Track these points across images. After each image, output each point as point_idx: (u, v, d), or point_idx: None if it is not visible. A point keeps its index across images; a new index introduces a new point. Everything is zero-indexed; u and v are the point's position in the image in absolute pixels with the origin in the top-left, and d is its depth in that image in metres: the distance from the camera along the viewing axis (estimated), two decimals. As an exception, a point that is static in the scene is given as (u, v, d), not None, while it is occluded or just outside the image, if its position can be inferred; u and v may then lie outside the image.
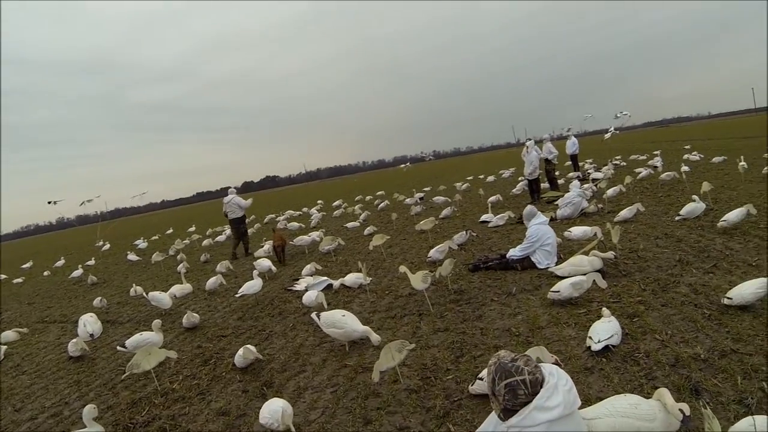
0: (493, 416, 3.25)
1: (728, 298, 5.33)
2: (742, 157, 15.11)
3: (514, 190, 20.23)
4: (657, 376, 4.27)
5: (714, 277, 6.43)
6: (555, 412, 2.59)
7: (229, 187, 16.58)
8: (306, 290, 8.99)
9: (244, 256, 15.84)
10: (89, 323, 8.47)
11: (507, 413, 2.70)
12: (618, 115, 24.45)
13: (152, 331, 7.17)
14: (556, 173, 18.96)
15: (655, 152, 24.61)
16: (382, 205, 24.15)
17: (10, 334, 9.50)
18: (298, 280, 10.40)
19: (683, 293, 6.08)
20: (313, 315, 6.59)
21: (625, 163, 25.11)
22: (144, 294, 10.27)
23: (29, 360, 8.32)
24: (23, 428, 5.61)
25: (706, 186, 11.33)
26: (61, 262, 23.26)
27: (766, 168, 13.57)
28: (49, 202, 24.17)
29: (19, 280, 20.20)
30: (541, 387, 2.65)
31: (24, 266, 25.09)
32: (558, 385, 2.68)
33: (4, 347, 8.76)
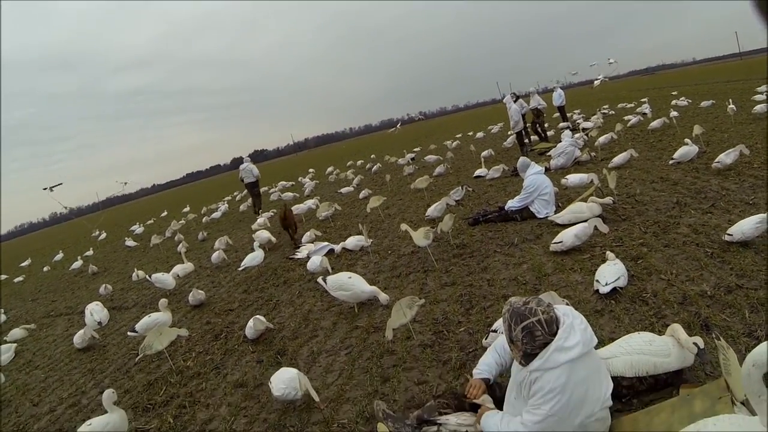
0: (491, 356, 3.35)
1: (729, 234, 5.33)
2: (730, 99, 15.00)
3: (505, 144, 20.20)
4: (666, 315, 4.29)
5: (713, 217, 6.43)
6: (575, 351, 2.64)
7: (243, 157, 19.03)
8: (308, 257, 8.98)
9: (255, 214, 17.64)
10: (96, 311, 8.48)
11: (527, 358, 2.74)
12: (606, 73, 24.29)
13: (160, 311, 7.16)
14: (546, 125, 18.88)
15: (643, 99, 24.34)
16: (374, 168, 24.10)
17: (18, 332, 9.41)
18: (299, 248, 10.40)
19: (684, 234, 6.08)
20: (320, 280, 6.60)
21: (613, 112, 24.90)
22: (147, 277, 10.25)
23: (41, 354, 8.32)
24: (43, 421, 5.62)
25: (697, 129, 11.28)
26: (59, 256, 23.03)
27: (756, 108, 13.49)
28: (45, 189, 24.02)
29: (20, 278, 20.00)
30: (557, 327, 2.69)
31: (23, 264, 24.95)
32: (574, 324, 2.73)
33: (14, 345, 8.72)
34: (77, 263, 17.73)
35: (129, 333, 7.29)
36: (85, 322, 8.39)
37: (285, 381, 4.21)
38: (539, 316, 2.67)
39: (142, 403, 5.33)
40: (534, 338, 2.66)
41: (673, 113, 15.62)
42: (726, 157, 8.29)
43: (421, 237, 7.34)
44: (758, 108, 13.40)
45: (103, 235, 26.95)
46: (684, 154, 9.86)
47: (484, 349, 4.45)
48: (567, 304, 3.55)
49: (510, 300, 2.82)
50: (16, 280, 19.85)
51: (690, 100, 21.67)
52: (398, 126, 44.02)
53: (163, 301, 7.24)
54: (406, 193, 14.80)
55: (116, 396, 4.45)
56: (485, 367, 3.32)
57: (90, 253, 20.46)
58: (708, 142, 11.30)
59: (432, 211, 10.05)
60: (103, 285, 11.31)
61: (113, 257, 18.91)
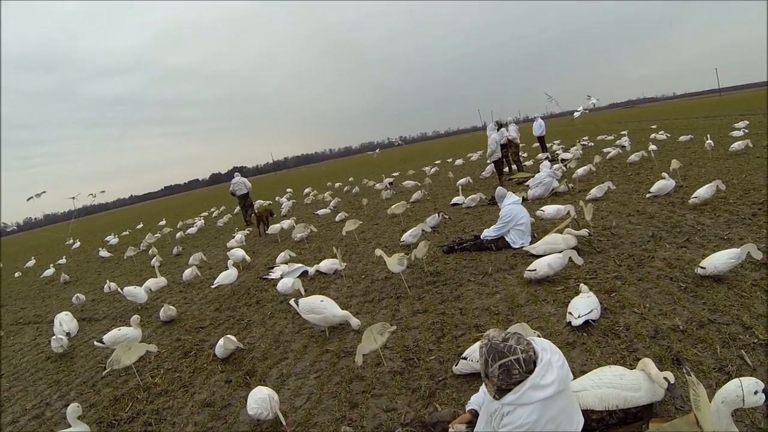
0: (483, 393, 3.28)
1: (702, 267, 5.43)
2: (708, 135, 15.31)
3: (483, 173, 20.30)
4: (638, 348, 4.36)
5: (687, 251, 6.54)
6: (550, 389, 2.61)
7: (236, 171, 20.56)
8: (281, 278, 8.99)
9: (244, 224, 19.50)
10: (65, 321, 8.36)
11: (501, 393, 2.71)
12: (586, 105, 24.88)
13: (130, 326, 7.11)
14: (523, 155, 19.06)
15: (623, 132, 24.80)
16: (353, 191, 24.11)
17: (-17, 339, 9.29)
18: (273, 268, 10.41)
19: (658, 267, 6.18)
20: (292, 302, 6.62)
21: (593, 144, 25.29)
22: (119, 289, 10.18)
23: (6, 362, 8.18)
24: (5, 432, 5.55)
25: (675, 164, 11.50)
26: (31, 262, 22.69)
27: (733, 145, 13.80)
28: (29, 198, 24.17)
29: (-10, 283, 19.69)
30: (535, 365, 2.67)
31: (-6, 269, 24.53)
32: (552, 361, 2.69)
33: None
34: (49, 271, 17.48)
35: (95, 343, 7.20)
36: (53, 332, 8.29)
37: (257, 401, 4.23)
38: (518, 354, 2.63)
39: (107, 418, 5.27)
40: (511, 376, 2.63)
41: (652, 147, 15.91)
42: (703, 192, 8.48)
43: (395, 263, 7.38)
44: (735, 145, 13.71)
45: (77, 244, 26.61)
46: (661, 188, 10.02)
47: (455, 377, 4.52)
48: (538, 336, 3.59)
49: (488, 334, 2.78)
50: (-15, 285, 19.47)
51: (669, 134, 22.05)
52: (378, 150, 44.21)
53: (135, 318, 7.17)
54: (383, 217, 14.87)
55: (81, 410, 4.43)
56: (474, 400, 3.34)
57: (63, 261, 20.21)
58: (685, 176, 11.51)
59: (407, 236, 10.09)
60: (76, 294, 11.17)
61: (86, 267, 18.66)
